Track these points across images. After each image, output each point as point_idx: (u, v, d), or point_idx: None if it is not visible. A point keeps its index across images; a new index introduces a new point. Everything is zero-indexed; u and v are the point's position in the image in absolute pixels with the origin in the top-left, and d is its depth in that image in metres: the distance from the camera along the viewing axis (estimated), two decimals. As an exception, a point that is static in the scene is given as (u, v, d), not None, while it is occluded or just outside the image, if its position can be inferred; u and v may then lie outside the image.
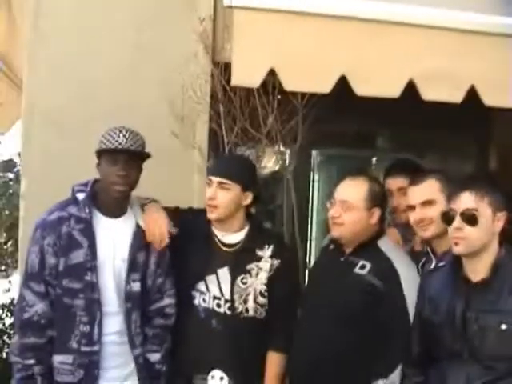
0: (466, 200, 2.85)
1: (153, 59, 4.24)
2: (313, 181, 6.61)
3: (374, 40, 3.22)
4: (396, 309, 3.16)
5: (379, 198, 3.35)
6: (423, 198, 3.29)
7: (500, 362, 2.76)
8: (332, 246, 3.47)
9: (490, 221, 2.84)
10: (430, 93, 3.27)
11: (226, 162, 3.59)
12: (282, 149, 4.32)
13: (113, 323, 3.26)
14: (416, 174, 3.44)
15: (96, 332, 3.19)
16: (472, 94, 3.35)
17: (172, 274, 3.42)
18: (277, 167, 6.25)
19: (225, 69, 3.94)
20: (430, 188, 3.27)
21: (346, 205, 3.30)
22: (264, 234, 3.55)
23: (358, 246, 3.33)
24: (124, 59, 4.25)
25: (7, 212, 6.44)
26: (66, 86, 4.24)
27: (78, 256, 3.19)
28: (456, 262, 2.93)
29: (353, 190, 3.34)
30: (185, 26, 4.20)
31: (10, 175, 8.16)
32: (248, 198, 3.44)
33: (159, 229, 3.30)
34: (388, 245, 3.35)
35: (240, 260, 3.39)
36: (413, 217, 3.34)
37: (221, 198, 3.36)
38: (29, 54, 4.23)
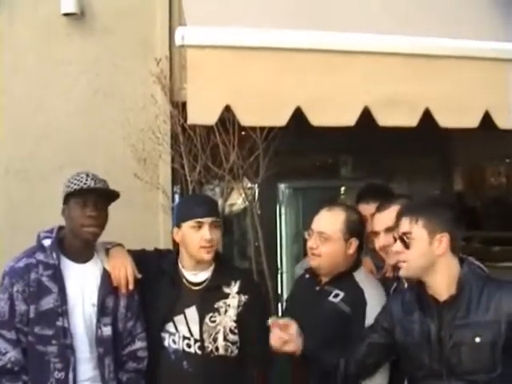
0: (402, 224, 2.90)
1: (112, 102, 4.29)
2: (280, 214, 6.62)
3: (327, 70, 3.23)
4: (358, 332, 3.16)
5: (357, 228, 3.35)
6: (386, 224, 3.28)
7: (479, 375, 2.77)
8: (308, 276, 3.48)
9: (427, 243, 2.86)
10: (385, 119, 3.29)
11: (205, 202, 3.53)
12: (247, 184, 4.34)
13: (86, 369, 3.21)
14: (381, 201, 3.46)
15: (71, 378, 3.14)
16: (430, 117, 3.39)
17: (142, 317, 3.39)
18: (241, 202, 6.30)
19: (183, 108, 3.95)
20: (393, 215, 3.29)
21: (323, 236, 3.29)
22: (230, 270, 3.52)
23: (335, 277, 3.33)
24: (84, 104, 4.30)
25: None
26: (28, 135, 4.26)
27: (48, 302, 3.15)
28: (420, 283, 2.95)
29: (329, 221, 3.33)
30: (142, 68, 4.26)
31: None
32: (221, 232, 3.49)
33: (124, 272, 3.28)
34: (362, 276, 3.36)
35: (207, 298, 3.36)
36: (377, 243, 3.35)
37: (216, 237, 3.36)
38: (-12, 106, 4.24)
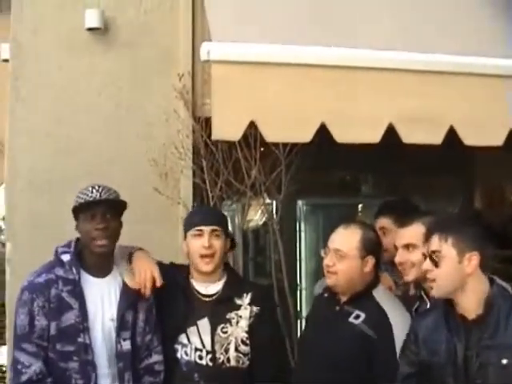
0: (432, 242, 2.87)
1: (134, 117, 4.27)
2: (299, 230, 6.59)
3: (351, 87, 3.24)
4: (386, 358, 3.13)
5: (373, 246, 3.34)
6: (405, 241, 3.29)
7: None
8: (326, 295, 3.45)
9: (456, 261, 2.83)
10: (409, 136, 3.28)
11: (208, 211, 3.70)
12: (267, 200, 4.32)
13: None
14: (407, 215, 3.44)
15: None
16: (454, 135, 3.36)
17: (159, 331, 3.40)
18: (262, 219, 6.27)
19: (206, 123, 3.94)
20: (413, 232, 3.26)
21: (339, 254, 3.29)
22: (242, 282, 3.61)
23: (353, 296, 3.31)
24: (105, 118, 4.28)
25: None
26: (48, 147, 4.25)
27: (69, 318, 3.16)
28: (447, 302, 2.92)
29: (346, 239, 3.33)
30: (164, 83, 4.24)
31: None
32: (228, 245, 3.50)
33: (150, 275, 3.29)
34: (382, 295, 3.34)
35: (219, 310, 3.39)
36: (396, 258, 3.34)
37: (216, 245, 3.39)
38: (9, 118, 4.24)
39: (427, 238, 2.92)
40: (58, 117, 4.28)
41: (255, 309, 3.40)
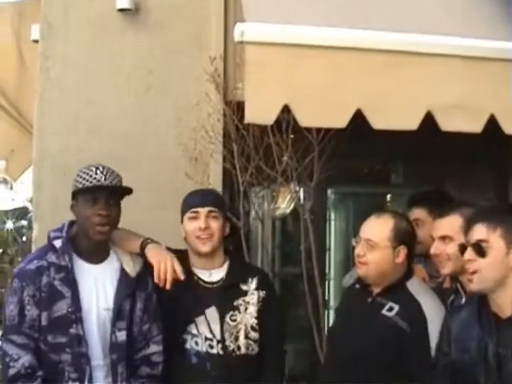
0: (477, 231, 2.74)
1: (164, 100, 4.23)
2: (329, 219, 6.51)
3: (390, 71, 3.13)
4: (421, 353, 3.04)
5: (405, 236, 3.24)
6: (441, 232, 3.20)
7: None
8: (358, 286, 3.37)
9: (503, 253, 2.71)
10: (448, 124, 3.18)
11: (205, 193, 3.55)
12: (298, 188, 4.24)
13: (99, 378, 3.05)
14: (441, 206, 3.36)
15: None
16: (491, 123, 3.26)
17: (159, 319, 3.24)
18: (292, 206, 6.19)
19: (237, 107, 3.88)
20: (450, 224, 3.17)
21: (371, 243, 3.20)
22: (245, 267, 3.55)
23: (386, 287, 3.22)
24: (135, 101, 4.25)
25: (19, 259, 6.38)
26: (78, 130, 4.23)
27: (61, 308, 3.00)
28: (481, 298, 2.82)
29: (377, 228, 3.24)
30: (195, 66, 4.18)
31: (24, 222, 8.13)
32: (227, 228, 3.42)
33: (171, 267, 3.14)
34: (417, 286, 3.25)
35: (225, 297, 3.31)
36: (431, 250, 3.25)
37: (213, 227, 3.30)
38: (38, 99, 4.21)
39: (468, 227, 2.81)
40: (88, 98, 4.25)
41: (262, 293, 3.34)
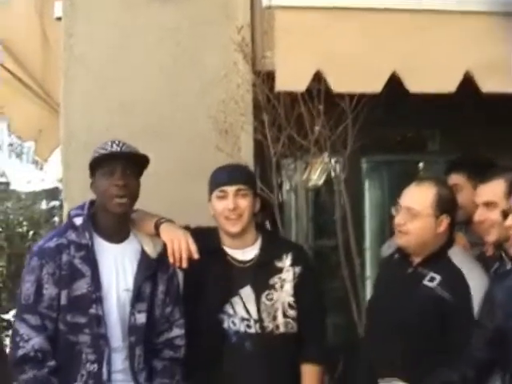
0: None
1: (192, 72, 4.12)
2: (363, 189, 6.42)
3: (425, 32, 3.05)
4: (465, 324, 2.96)
5: (448, 205, 3.13)
6: (485, 198, 3.10)
7: None
8: (397, 256, 3.27)
9: None
10: (489, 85, 3.07)
11: (232, 169, 3.39)
12: (331, 158, 4.15)
13: (118, 360, 2.99)
14: (481, 171, 3.26)
15: (105, 371, 2.93)
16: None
17: (181, 303, 3.18)
18: (324, 177, 6.10)
19: (267, 77, 3.78)
20: (493, 189, 3.06)
21: (412, 212, 3.09)
22: (279, 243, 3.41)
23: (427, 257, 3.13)
24: (162, 75, 4.15)
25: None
26: (104, 107, 4.15)
27: (81, 287, 2.94)
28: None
29: (419, 196, 3.13)
30: (222, 36, 4.09)
31: (55, 202, 8.15)
32: (257, 204, 3.30)
33: (186, 245, 3.04)
34: (459, 255, 3.16)
35: (260, 276, 3.22)
36: (475, 217, 3.16)
37: (242, 206, 3.18)
38: (64, 77, 4.14)
39: (510, 193, 2.71)
40: (114, 75, 4.17)
41: (297, 269, 3.25)
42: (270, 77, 3.69)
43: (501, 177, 3.04)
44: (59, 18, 4.38)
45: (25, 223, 6.88)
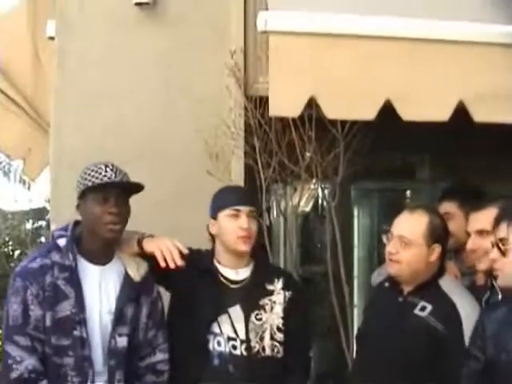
0: (500, 229, 2.65)
1: (184, 95, 4.13)
2: (353, 216, 6.41)
3: (420, 60, 3.03)
4: (457, 354, 2.90)
5: (440, 234, 3.12)
6: (478, 226, 3.10)
7: None
8: (387, 284, 3.24)
9: None
10: (482, 114, 3.06)
11: (242, 190, 3.48)
12: (320, 184, 4.14)
13: (100, 383, 2.96)
14: (473, 200, 3.24)
15: None
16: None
17: (165, 327, 3.15)
18: (313, 203, 6.09)
19: (259, 102, 3.77)
20: (486, 217, 3.04)
21: (404, 241, 3.08)
22: (271, 268, 3.48)
23: (418, 286, 3.11)
24: (154, 96, 4.16)
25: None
26: (95, 127, 4.14)
27: (65, 309, 2.90)
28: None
29: (412, 225, 3.12)
30: (216, 60, 4.09)
31: (42, 222, 8.10)
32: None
33: (173, 246, 3.04)
34: (450, 284, 3.15)
35: (251, 296, 3.21)
36: (468, 245, 3.16)
37: (253, 228, 3.20)
38: (55, 95, 4.13)
39: (496, 225, 2.70)
40: (105, 95, 4.17)
41: (288, 294, 3.23)
42: (262, 102, 3.69)
43: (494, 205, 3.03)
44: (51, 38, 4.38)
45: (11, 243, 6.82)
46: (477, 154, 5.51)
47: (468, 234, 3.15)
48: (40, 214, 8.64)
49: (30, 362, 2.86)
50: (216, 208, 3.24)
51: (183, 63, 4.15)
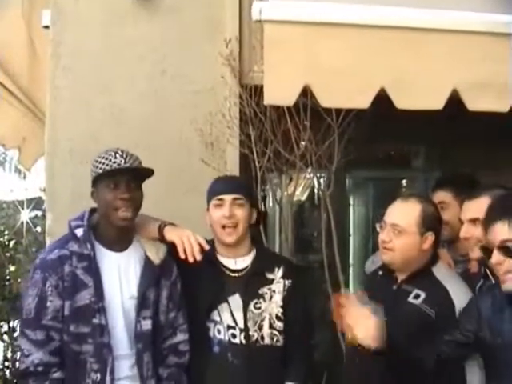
0: (499, 231, 2.58)
1: (179, 84, 4.13)
2: (349, 204, 6.42)
3: (414, 49, 3.04)
4: None
5: (433, 222, 3.13)
6: (470, 215, 3.10)
7: None
8: (381, 272, 3.26)
9: None
10: (475, 103, 3.08)
11: (231, 180, 3.48)
12: (316, 173, 4.15)
13: (124, 368, 3.01)
14: (468, 189, 3.26)
15: (108, 380, 2.94)
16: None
17: (184, 308, 3.21)
18: (309, 192, 6.09)
19: (254, 91, 3.79)
20: (479, 206, 3.04)
21: (397, 229, 3.09)
22: (272, 257, 3.46)
23: (412, 274, 3.13)
24: (150, 86, 4.15)
25: (34, 249, 6.34)
26: (90, 117, 4.14)
27: (84, 297, 2.94)
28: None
29: (404, 213, 3.12)
30: (210, 49, 4.10)
31: (38, 212, 8.08)
32: (254, 216, 3.33)
33: (195, 240, 3.07)
34: (443, 272, 3.15)
35: (250, 285, 3.24)
36: (461, 233, 3.15)
37: (238, 215, 3.22)
38: (50, 85, 4.12)
39: (488, 226, 2.64)
40: (100, 85, 4.16)
41: (287, 282, 3.27)
42: (257, 91, 3.70)
43: (487, 193, 3.03)
44: (47, 27, 4.36)
45: (6, 232, 6.83)
46: (471, 143, 5.52)
47: (461, 223, 3.16)
48: (35, 203, 8.63)
49: (36, 355, 2.91)
50: (207, 199, 3.31)
51: (178, 52, 4.15)
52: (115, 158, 2.96)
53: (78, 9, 4.18)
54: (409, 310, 3.04)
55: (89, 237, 3.00)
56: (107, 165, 2.96)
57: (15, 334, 5.68)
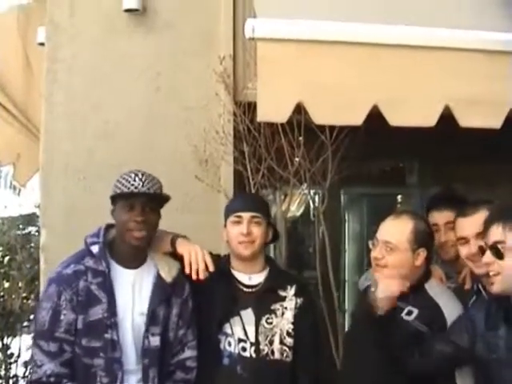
0: (493, 232, 2.66)
1: (173, 101, 4.15)
2: (343, 221, 6.43)
3: (407, 66, 3.05)
4: None
5: (425, 238, 3.14)
6: (478, 229, 3.06)
7: None
8: (374, 289, 3.26)
9: None
10: (467, 119, 3.09)
11: (249, 198, 3.59)
12: (310, 190, 4.16)
13: (132, 382, 3.06)
14: (464, 205, 3.25)
15: None
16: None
17: (194, 325, 3.24)
18: (303, 208, 6.10)
19: (249, 108, 3.81)
20: (482, 220, 3.05)
21: (389, 246, 3.09)
22: (284, 275, 3.50)
23: (405, 291, 3.11)
24: (144, 102, 4.17)
25: (28, 265, 6.32)
26: (85, 134, 4.16)
27: (97, 312, 3.00)
28: (508, 298, 2.72)
29: (396, 230, 3.13)
30: (205, 66, 4.11)
31: (32, 228, 8.06)
32: (270, 234, 3.38)
33: (202, 257, 3.12)
34: (436, 288, 3.15)
35: (263, 301, 3.28)
36: (466, 250, 3.14)
37: (255, 233, 3.27)
38: (45, 101, 4.14)
39: (486, 229, 2.72)
40: (95, 101, 4.18)
41: (299, 300, 3.30)
42: (250, 108, 3.72)
43: (485, 208, 3.04)
44: (42, 44, 4.39)
45: (0, 249, 6.81)
46: (465, 159, 5.55)
47: (459, 240, 3.18)
48: (30, 219, 8.61)
49: (49, 366, 2.97)
50: (225, 216, 3.37)
51: (172, 69, 4.17)
52: (134, 180, 3.03)
53: (73, 26, 4.21)
54: (401, 326, 3.03)
55: (104, 254, 3.06)
56: (125, 186, 3.03)
57: (9, 352, 5.67)
